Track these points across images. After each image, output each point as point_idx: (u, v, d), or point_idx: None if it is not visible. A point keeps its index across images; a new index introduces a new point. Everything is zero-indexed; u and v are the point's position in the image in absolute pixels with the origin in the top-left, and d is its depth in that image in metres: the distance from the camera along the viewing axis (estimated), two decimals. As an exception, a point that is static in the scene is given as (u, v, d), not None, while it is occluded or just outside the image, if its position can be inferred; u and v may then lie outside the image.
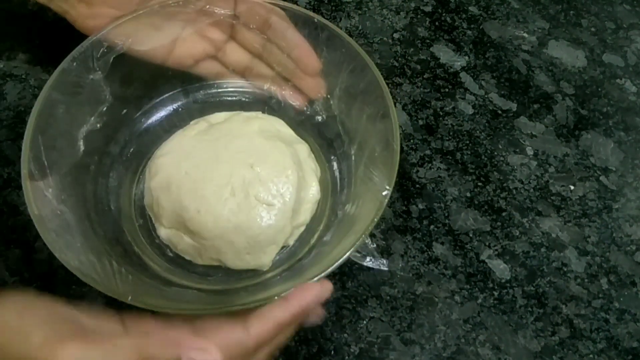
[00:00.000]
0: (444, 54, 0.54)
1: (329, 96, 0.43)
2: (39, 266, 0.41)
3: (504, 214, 0.45)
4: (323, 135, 0.44)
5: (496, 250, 0.44)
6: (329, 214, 0.41)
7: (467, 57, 0.53)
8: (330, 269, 0.31)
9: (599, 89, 0.52)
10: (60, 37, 0.52)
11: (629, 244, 0.45)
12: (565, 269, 0.43)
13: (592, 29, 0.56)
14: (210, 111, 0.45)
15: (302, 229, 0.41)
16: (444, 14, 0.56)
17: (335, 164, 0.44)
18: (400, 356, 0.39)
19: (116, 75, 0.41)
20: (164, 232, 0.41)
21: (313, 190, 0.42)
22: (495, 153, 0.48)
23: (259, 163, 0.41)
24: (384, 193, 0.35)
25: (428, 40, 0.54)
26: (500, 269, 0.43)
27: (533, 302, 0.42)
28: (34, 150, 0.35)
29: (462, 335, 0.40)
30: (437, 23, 0.56)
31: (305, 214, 0.41)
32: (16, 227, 0.43)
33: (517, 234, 0.45)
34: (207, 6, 0.42)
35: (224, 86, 0.46)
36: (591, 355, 0.40)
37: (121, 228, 0.40)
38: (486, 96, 0.51)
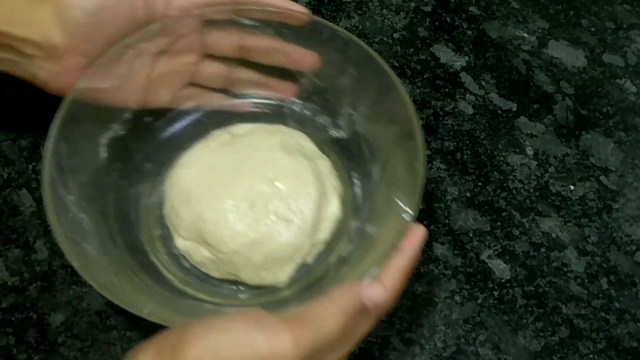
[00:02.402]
0: (444, 54, 0.54)
1: (353, 112, 0.42)
2: (39, 266, 0.41)
3: (504, 214, 0.45)
4: (346, 152, 0.43)
5: (496, 250, 0.44)
6: (349, 233, 0.40)
7: (467, 57, 0.53)
8: None
9: (599, 89, 0.52)
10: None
11: (629, 244, 0.45)
12: (565, 269, 0.43)
13: (592, 29, 0.56)
14: (233, 122, 0.45)
15: (321, 246, 0.40)
16: (444, 14, 0.56)
17: (357, 182, 0.42)
18: (400, 356, 0.39)
19: None
20: (181, 243, 0.40)
21: (334, 208, 0.41)
22: (495, 153, 0.48)
23: (280, 178, 0.40)
24: (405, 217, 0.34)
25: (428, 40, 0.54)
26: (500, 269, 0.43)
27: (533, 302, 0.42)
28: (56, 156, 0.35)
29: (462, 335, 0.40)
30: (437, 23, 0.56)
31: (325, 232, 0.40)
32: (16, 227, 0.43)
33: (517, 234, 0.45)
34: (171, 31, 0.40)
35: (247, 97, 0.46)
36: (591, 355, 0.40)
37: (139, 237, 0.40)
38: (486, 96, 0.51)
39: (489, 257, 0.43)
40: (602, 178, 0.48)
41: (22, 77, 0.39)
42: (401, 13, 0.56)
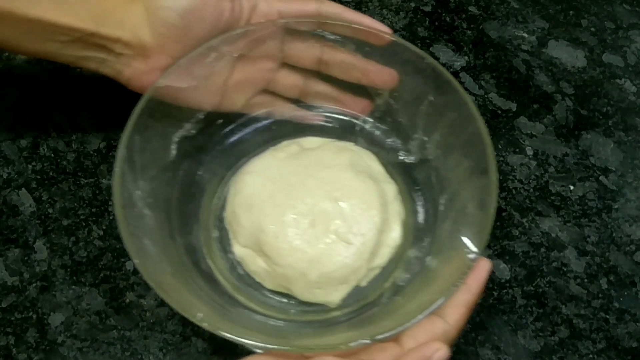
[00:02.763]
0: (444, 54, 0.54)
1: (426, 139, 0.41)
2: (39, 266, 0.41)
3: (503, 214, 0.45)
4: (413, 178, 0.43)
5: (496, 250, 0.44)
6: (407, 262, 0.39)
7: (466, 57, 0.53)
8: (399, 329, 0.30)
9: (599, 89, 0.52)
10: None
11: (629, 244, 0.45)
12: (564, 269, 0.43)
13: (592, 29, 0.56)
14: (304, 133, 0.44)
15: (378, 271, 0.40)
16: (443, 14, 0.56)
17: (420, 210, 0.42)
18: (399, 356, 0.39)
19: None
20: (238, 250, 0.40)
21: (395, 235, 0.40)
22: (495, 153, 0.48)
23: (345, 198, 0.39)
24: (470, 256, 0.32)
25: (428, 40, 0.54)
26: (500, 269, 0.43)
27: (533, 302, 0.42)
28: (129, 150, 0.35)
29: (461, 335, 0.40)
30: (436, 23, 0.56)
31: (383, 257, 0.40)
32: (16, 227, 0.43)
33: (517, 233, 0.45)
34: (254, 35, 0.40)
35: (321, 110, 0.45)
36: (591, 355, 0.40)
37: (198, 238, 0.40)
38: (486, 96, 0.51)
39: (489, 257, 0.43)
40: (601, 178, 0.48)
41: (107, 74, 0.40)
42: (401, 13, 0.56)
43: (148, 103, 0.37)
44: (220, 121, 0.43)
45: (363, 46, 0.41)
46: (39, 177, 0.45)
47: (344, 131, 0.45)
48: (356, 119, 0.45)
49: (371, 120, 0.44)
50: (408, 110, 0.42)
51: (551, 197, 0.46)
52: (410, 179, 0.43)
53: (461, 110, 0.37)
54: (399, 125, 0.43)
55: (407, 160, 0.43)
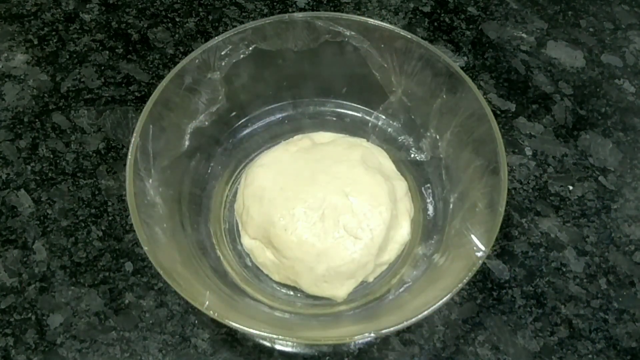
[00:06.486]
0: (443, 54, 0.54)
1: (438, 137, 0.42)
2: (38, 267, 0.41)
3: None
4: (424, 176, 0.43)
5: (495, 250, 0.44)
6: (415, 259, 0.40)
7: (465, 58, 0.53)
8: (404, 324, 0.30)
9: (598, 89, 0.52)
10: (58, 38, 0.52)
11: (628, 244, 0.45)
12: (564, 269, 0.43)
13: (591, 30, 0.56)
14: (316, 129, 0.45)
15: (385, 267, 0.40)
16: (442, 15, 0.56)
17: (430, 208, 0.42)
18: (399, 356, 0.39)
19: (232, 79, 0.41)
20: (247, 241, 0.40)
21: (403, 232, 0.40)
22: (494, 153, 0.48)
23: (355, 193, 0.39)
24: (478, 254, 0.33)
25: (427, 41, 0.54)
26: (499, 269, 0.43)
27: (532, 302, 0.42)
28: (142, 139, 0.35)
29: (461, 335, 0.40)
30: (435, 24, 0.56)
31: (391, 254, 0.40)
32: (15, 228, 0.43)
33: (516, 234, 0.45)
34: None
35: (333, 106, 0.46)
36: (590, 355, 0.40)
37: (208, 228, 0.41)
38: (485, 96, 0.51)
39: (488, 257, 0.43)
40: (600, 178, 0.48)
41: None
42: (400, 14, 0.56)
43: (163, 93, 0.37)
44: (234, 114, 0.43)
45: (378, 42, 0.42)
46: (37, 177, 0.45)
47: (356, 127, 0.45)
48: (369, 115, 0.45)
49: (384, 117, 0.45)
50: (421, 108, 0.42)
51: (550, 198, 0.46)
52: (421, 177, 0.43)
53: (474, 110, 0.38)
54: (412, 123, 0.44)
55: (418, 158, 0.43)
